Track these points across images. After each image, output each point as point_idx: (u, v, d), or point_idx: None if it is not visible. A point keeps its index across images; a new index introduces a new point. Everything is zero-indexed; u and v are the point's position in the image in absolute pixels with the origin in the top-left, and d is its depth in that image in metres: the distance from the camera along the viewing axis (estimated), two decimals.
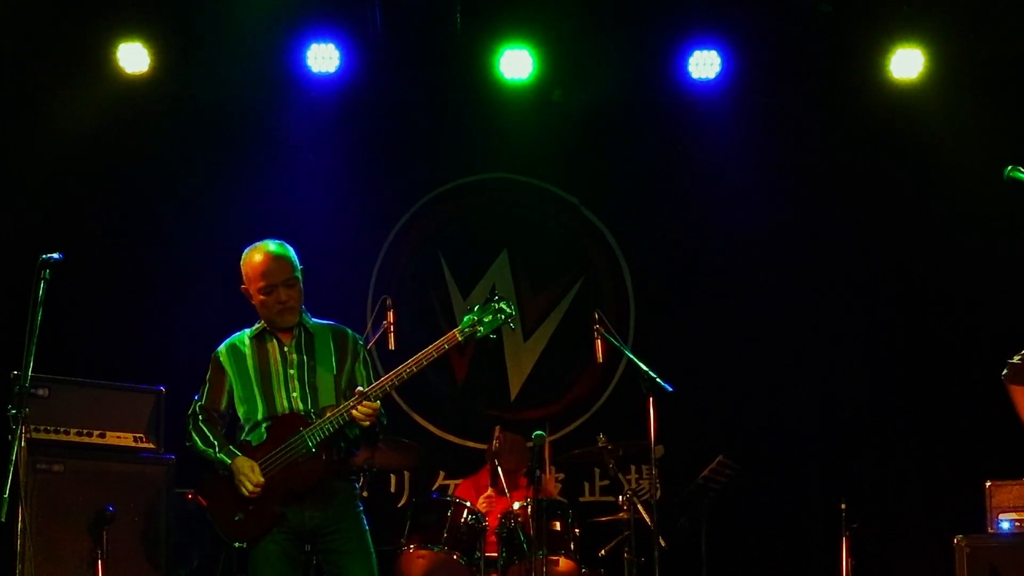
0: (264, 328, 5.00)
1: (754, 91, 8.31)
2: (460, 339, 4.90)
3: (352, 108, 8.26)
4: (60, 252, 4.64)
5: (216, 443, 4.86)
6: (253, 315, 5.11)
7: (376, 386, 4.80)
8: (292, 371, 4.91)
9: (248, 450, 4.84)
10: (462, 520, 6.53)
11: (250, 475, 4.74)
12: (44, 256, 4.61)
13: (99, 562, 5.55)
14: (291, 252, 5.02)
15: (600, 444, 6.69)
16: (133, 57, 7.76)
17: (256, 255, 4.99)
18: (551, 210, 8.73)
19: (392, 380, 4.81)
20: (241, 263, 5.03)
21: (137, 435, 5.97)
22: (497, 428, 7.35)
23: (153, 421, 6.03)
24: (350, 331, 5.12)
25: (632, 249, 8.69)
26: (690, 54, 8.16)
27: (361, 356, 5.08)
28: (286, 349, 4.95)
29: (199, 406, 4.99)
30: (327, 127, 8.22)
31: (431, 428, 8.35)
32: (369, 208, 8.45)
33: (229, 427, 5.04)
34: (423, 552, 6.46)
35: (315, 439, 4.76)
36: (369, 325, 6.71)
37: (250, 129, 8.18)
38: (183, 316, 7.81)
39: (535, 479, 6.41)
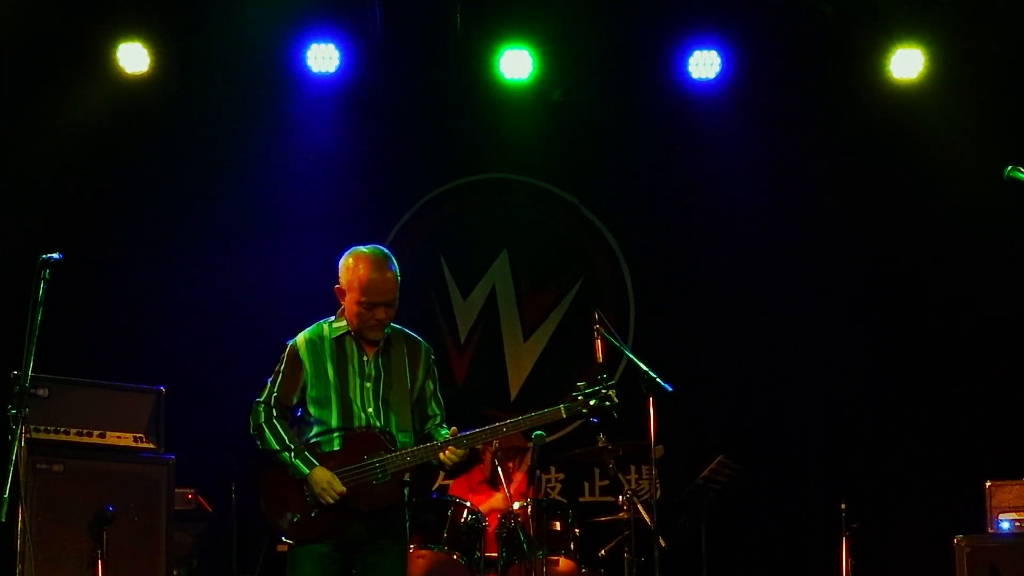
0: (348, 331, 4.88)
1: (754, 91, 8.31)
2: (564, 416, 4.91)
3: (352, 108, 8.27)
4: (60, 252, 4.63)
5: (293, 446, 4.77)
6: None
7: (474, 437, 4.82)
8: (368, 384, 4.83)
9: (319, 456, 4.76)
10: (462, 520, 6.53)
11: (333, 483, 4.68)
12: (44, 256, 4.59)
13: (99, 562, 5.55)
14: (396, 266, 4.89)
15: (600, 444, 6.68)
16: (133, 57, 7.77)
17: (363, 267, 4.82)
18: (551, 210, 8.74)
19: (485, 436, 4.87)
20: (343, 265, 4.87)
21: (137, 435, 5.96)
22: None
23: (153, 421, 6.02)
24: (423, 343, 5.04)
25: (632, 249, 8.69)
26: (690, 54, 8.17)
27: (433, 372, 5.02)
28: (366, 359, 4.86)
29: (273, 398, 4.86)
30: (327, 127, 8.21)
31: None
32: (369, 208, 8.45)
33: (295, 422, 4.95)
34: (423, 552, 6.45)
35: (395, 467, 4.75)
36: None
37: (250, 129, 8.18)
38: (183, 316, 7.81)
39: (535, 479, 6.40)
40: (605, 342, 6.42)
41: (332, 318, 4.94)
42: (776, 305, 8.38)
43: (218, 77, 8.03)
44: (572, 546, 6.62)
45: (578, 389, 4.92)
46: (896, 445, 8.19)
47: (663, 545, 6.10)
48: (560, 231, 8.75)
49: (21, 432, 4.46)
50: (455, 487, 7.47)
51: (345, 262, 4.87)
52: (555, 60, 8.20)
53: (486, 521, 6.60)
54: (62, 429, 5.76)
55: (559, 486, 8.22)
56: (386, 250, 4.93)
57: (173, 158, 8.10)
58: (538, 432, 6.41)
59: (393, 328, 4.95)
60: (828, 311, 8.46)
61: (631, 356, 6.30)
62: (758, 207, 8.31)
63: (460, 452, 4.78)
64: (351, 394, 4.81)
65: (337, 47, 7.99)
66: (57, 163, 7.73)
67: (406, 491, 4.97)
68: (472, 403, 8.46)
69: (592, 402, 4.88)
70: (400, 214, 8.61)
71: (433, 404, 5.00)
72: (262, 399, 4.88)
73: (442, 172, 8.66)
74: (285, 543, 4.83)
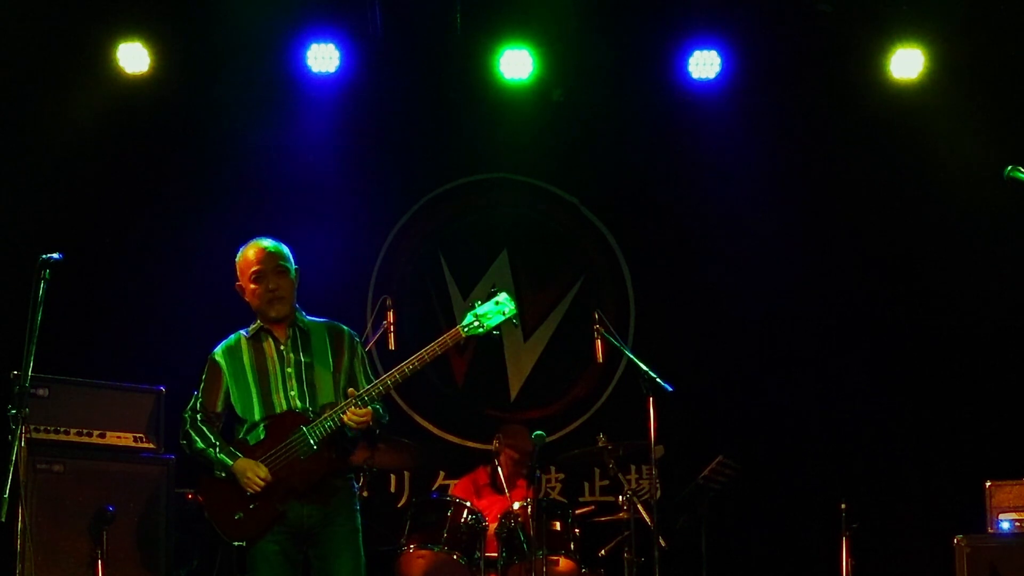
0: (260, 327, 5.00)
1: (754, 91, 8.31)
2: (463, 336, 4.91)
3: (352, 108, 8.26)
4: (60, 252, 4.63)
5: (217, 443, 4.85)
6: (253, 316, 5.10)
7: (370, 388, 4.79)
8: (290, 369, 4.89)
9: (246, 449, 4.83)
10: (462, 520, 6.53)
11: (257, 470, 4.72)
12: (44, 256, 4.60)
13: (99, 562, 5.55)
14: (284, 247, 5.05)
15: (600, 444, 6.69)
16: (133, 57, 7.76)
17: (248, 249, 5.05)
18: (551, 210, 8.73)
19: (389, 380, 4.81)
20: (236, 261, 5.10)
21: (137, 435, 5.96)
22: (506, 427, 7.39)
23: (153, 421, 6.03)
24: (346, 328, 5.10)
25: (632, 249, 8.69)
26: (690, 54, 8.17)
27: (359, 353, 5.07)
28: (283, 348, 4.94)
29: (198, 404, 4.99)
30: (327, 127, 8.21)
31: (431, 428, 8.35)
32: (369, 208, 8.45)
33: (225, 428, 5.03)
34: (423, 552, 6.45)
35: (316, 436, 4.75)
36: (369, 325, 6.71)
37: (250, 129, 8.17)
38: (183, 316, 7.80)
39: (535, 479, 6.41)
40: (605, 342, 6.43)
41: (249, 326, 5.06)
42: (776, 305, 8.39)
43: (218, 77, 8.02)
44: (572, 546, 6.62)
45: (471, 308, 4.96)
46: (896, 445, 8.19)
47: (663, 545, 6.11)
48: (560, 231, 8.75)
49: (21, 432, 4.46)
50: (458, 489, 7.47)
51: (236, 260, 5.10)
52: (555, 60, 8.20)
53: (486, 521, 6.60)
54: (62, 429, 5.76)
55: (559, 486, 8.22)
56: (271, 237, 5.08)
57: (173, 158, 8.10)
58: (538, 432, 6.42)
59: (311, 320, 5.04)
60: (828, 311, 8.46)
61: (631, 356, 6.32)
62: (758, 207, 8.31)
63: (364, 412, 4.72)
64: (272, 384, 4.87)
65: (337, 47, 7.99)
66: (57, 163, 7.73)
67: (354, 487, 4.97)
68: (472, 403, 8.46)
69: (488, 315, 4.95)
70: (400, 214, 8.61)
71: (363, 381, 4.98)
72: (188, 409, 5.00)
73: (442, 172, 8.65)
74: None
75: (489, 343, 8.52)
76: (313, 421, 4.78)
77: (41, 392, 5.61)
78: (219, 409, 4.97)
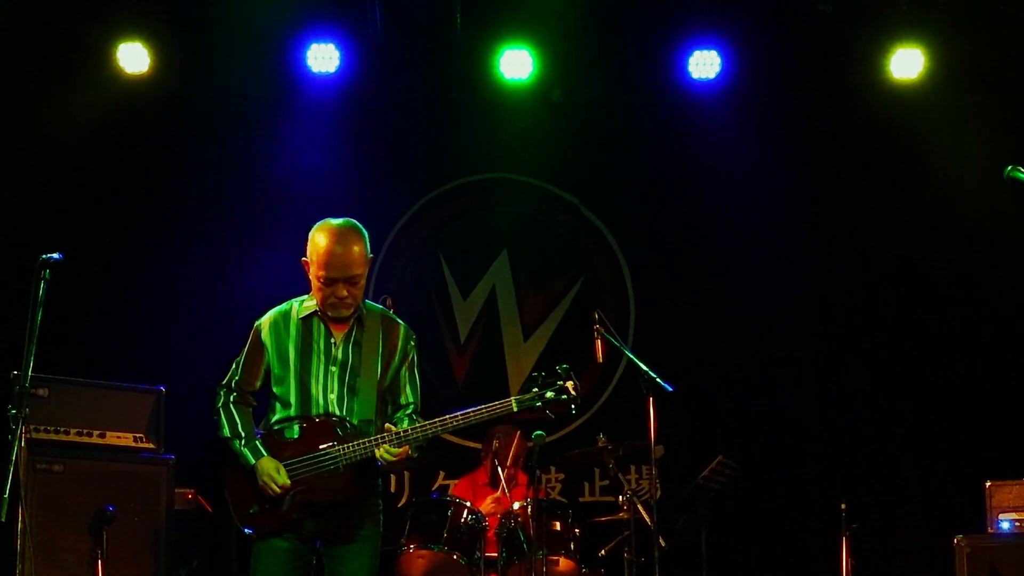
0: (316, 311, 4.63)
1: (754, 91, 8.31)
2: (516, 409, 4.64)
3: (352, 108, 8.26)
4: (60, 252, 4.62)
5: (244, 434, 4.59)
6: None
7: (411, 432, 4.51)
8: (334, 368, 4.58)
9: (276, 443, 4.57)
10: (462, 520, 6.53)
11: (276, 476, 4.49)
12: (44, 256, 4.58)
13: (99, 562, 5.55)
14: (364, 242, 4.65)
15: (600, 444, 6.69)
16: (133, 57, 7.77)
17: (322, 236, 4.61)
18: (551, 210, 8.74)
19: (431, 429, 4.56)
20: (310, 236, 4.67)
21: (137, 435, 5.96)
22: (494, 428, 7.39)
23: (153, 421, 6.03)
24: (404, 326, 4.74)
25: (632, 249, 8.69)
26: (690, 54, 8.17)
27: (411, 357, 4.73)
28: (333, 341, 4.60)
29: (234, 381, 4.69)
30: (327, 127, 8.21)
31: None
32: (369, 208, 8.42)
33: (261, 404, 4.77)
34: (423, 552, 6.46)
35: (346, 460, 4.48)
36: None
37: (250, 129, 8.18)
38: (183, 316, 7.81)
39: (535, 479, 6.41)
40: (605, 342, 6.43)
41: (305, 296, 4.71)
42: (776, 305, 8.39)
43: (218, 77, 8.03)
44: (572, 546, 6.62)
45: (533, 380, 4.65)
46: (896, 445, 8.19)
47: (663, 545, 6.11)
48: (560, 231, 8.75)
49: (21, 432, 4.45)
50: (457, 488, 7.47)
51: (311, 233, 4.67)
52: (555, 60, 8.20)
53: (486, 521, 6.60)
54: (62, 429, 5.76)
55: (559, 486, 8.22)
56: (357, 224, 4.71)
57: (173, 158, 8.10)
58: (538, 432, 6.42)
59: (371, 309, 4.70)
60: (828, 311, 8.46)
61: (631, 356, 6.31)
62: (758, 207, 8.31)
63: (396, 451, 4.45)
64: (313, 379, 4.58)
65: (337, 47, 7.99)
66: (57, 163, 7.73)
67: (378, 491, 4.72)
68: (472, 403, 8.43)
69: (548, 394, 4.62)
70: (400, 214, 8.62)
71: (408, 391, 4.73)
72: (224, 382, 4.73)
73: (442, 172, 8.66)
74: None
75: (489, 343, 8.56)
76: (348, 436, 4.51)
77: (41, 392, 5.60)
78: (257, 386, 4.68)
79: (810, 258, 8.44)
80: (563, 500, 7.31)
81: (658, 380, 5.94)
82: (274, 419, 4.65)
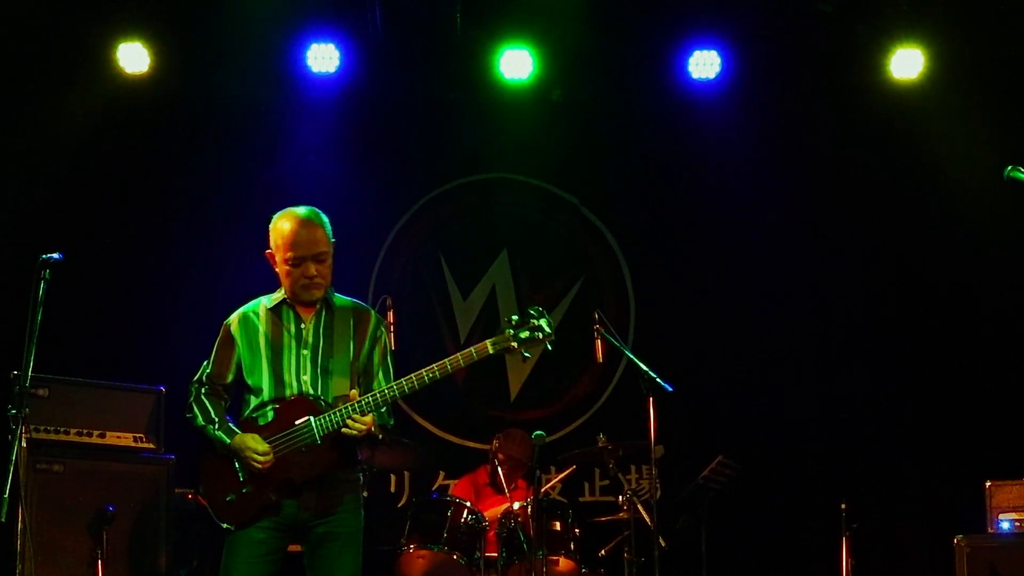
0: (284, 299, 4.70)
1: (754, 91, 8.31)
2: (491, 352, 4.58)
3: (352, 108, 8.26)
4: (60, 252, 4.62)
5: (217, 419, 4.61)
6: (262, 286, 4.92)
7: (375, 395, 4.50)
8: (306, 352, 4.62)
9: (254, 429, 4.57)
10: (462, 520, 6.54)
11: (256, 446, 4.47)
12: (44, 256, 4.59)
13: (99, 562, 5.55)
14: (326, 222, 4.71)
15: (600, 444, 6.69)
16: (133, 57, 7.76)
17: (285, 222, 4.67)
18: (551, 210, 8.74)
19: (397, 389, 4.51)
20: (270, 227, 4.73)
21: (137, 435, 5.96)
22: (510, 431, 7.41)
23: (153, 421, 6.03)
24: (374, 312, 4.80)
25: (632, 249, 8.69)
26: (690, 54, 8.17)
27: (382, 341, 4.76)
28: (303, 326, 4.65)
29: (205, 375, 4.72)
30: (327, 127, 8.21)
31: (431, 428, 8.35)
32: (369, 208, 8.45)
33: (234, 400, 4.78)
34: (423, 552, 6.46)
35: (322, 430, 4.48)
36: None
37: (250, 129, 8.18)
38: (183, 316, 7.81)
39: (535, 479, 6.41)
40: (605, 342, 6.43)
41: (272, 293, 4.78)
42: (776, 305, 8.39)
43: (218, 77, 8.03)
44: (572, 546, 6.62)
45: (508, 323, 4.59)
46: (896, 445, 8.19)
47: (663, 545, 6.11)
48: (560, 231, 8.75)
49: (21, 432, 4.45)
50: (458, 489, 7.48)
51: (271, 224, 4.73)
52: (555, 60, 8.20)
53: (486, 521, 6.60)
54: (62, 429, 5.76)
55: (559, 486, 8.22)
56: (315, 208, 4.75)
57: (173, 158, 8.10)
58: (538, 432, 6.42)
59: (339, 297, 4.76)
60: (828, 311, 8.46)
61: (631, 356, 6.31)
62: (758, 207, 8.31)
63: (363, 420, 4.44)
64: (284, 363, 4.61)
65: (337, 47, 7.99)
66: (57, 163, 7.73)
67: (359, 466, 4.68)
68: (472, 403, 8.46)
69: (523, 334, 4.55)
70: (400, 214, 8.62)
71: (381, 377, 4.72)
72: (195, 378, 4.75)
73: (442, 172, 8.66)
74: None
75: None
76: (323, 411, 4.51)
77: (41, 392, 5.61)
78: (228, 380, 4.70)
79: (810, 258, 8.44)
80: (563, 500, 7.31)
81: (658, 380, 5.94)
82: (247, 411, 4.65)
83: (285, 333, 4.66)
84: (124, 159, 8.00)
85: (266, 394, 4.62)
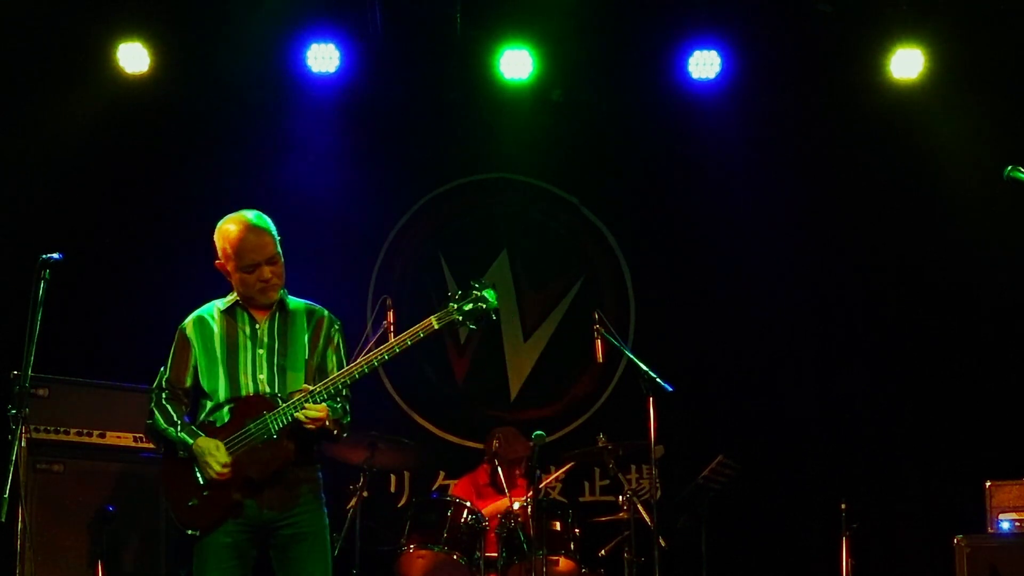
0: (237, 302, 4.71)
1: (754, 91, 8.31)
2: (436, 327, 4.60)
3: (352, 108, 8.26)
4: (60, 252, 4.62)
5: (178, 422, 4.57)
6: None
7: (326, 383, 4.48)
8: (261, 351, 4.62)
9: (211, 431, 4.54)
10: (462, 520, 6.54)
11: (216, 454, 4.44)
12: (44, 256, 4.59)
13: (99, 562, 5.55)
14: (271, 224, 4.74)
15: (600, 444, 6.69)
16: (133, 57, 7.76)
17: (232, 227, 4.69)
18: (551, 210, 8.74)
19: (347, 376, 4.49)
20: (215, 236, 4.73)
21: (137, 435, 5.96)
22: (495, 429, 7.40)
23: None
24: (327, 313, 4.79)
25: (632, 249, 8.69)
26: (690, 54, 8.17)
27: (335, 341, 4.76)
28: (258, 327, 4.65)
29: (164, 380, 4.68)
30: (327, 127, 8.21)
31: (431, 428, 8.35)
32: (369, 208, 8.45)
33: (192, 404, 4.74)
34: (423, 552, 6.46)
35: (277, 425, 4.45)
36: (369, 325, 6.70)
37: (250, 129, 8.18)
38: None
39: (535, 479, 6.41)
40: (605, 342, 6.43)
41: (226, 296, 4.78)
42: (776, 305, 8.39)
43: (218, 77, 8.03)
44: (572, 546, 6.62)
45: (450, 297, 4.62)
46: (896, 445, 8.19)
47: (663, 545, 6.11)
48: (560, 231, 8.75)
49: (21, 432, 4.46)
50: (457, 488, 7.48)
51: (216, 234, 4.72)
52: (555, 60, 8.20)
53: (486, 521, 6.60)
54: (62, 429, 5.77)
55: (559, 486, 8.22)
56: (255, 211, 4.77)
57: (173, 158, 8.10)
58: (538, 432, 6.42)
59: (293, 299, 4.76)
60: (828, 311, 8.46)
61: (631, 356, 6.32)
62: (758, 207, 8.31)
63: (317, 409, 4.41)
64: (240, 363, 4.60)
65: (337, 47, 7.99)
66: (57, 163, 7.73)
67: (317, 467, 4.64)
68: (472, 403, 8.46)
69: (467, 306, 4.58)
70: (400, 214, 8.61)
71: (334, 369, 4.69)
72: (154, 385, 4.72)
73: (442, 172, 8.66)
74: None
75: (489, 343, 8.56)
76: (278, 408, 4.49)
77: (41, 392, 5.62)
78: (187, 384, 4.65)
79: (810, 258, 8.44)
80: (563, 500, 7.31)
81: (658, 380, 5.94)
82: (203, 415, 4.62)
83: (240, 334, 4.66)
84: (124, 159, 8.00)
85: (222, 395, 4.60)
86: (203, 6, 7.77)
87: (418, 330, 4.59)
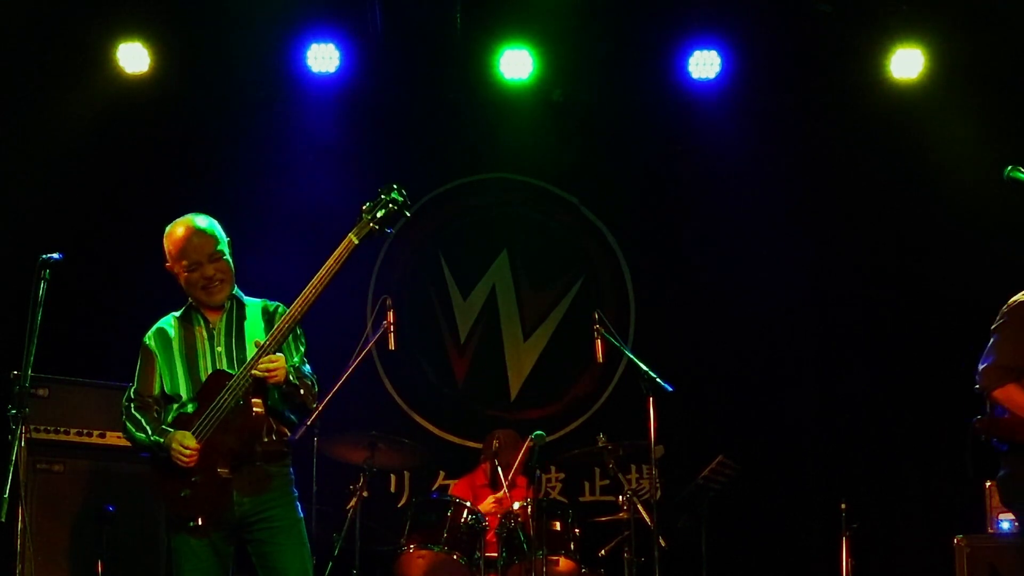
0: (190, 306, 4.78)
1: (754, 91, 8.31)
2: (356, 241, 4.66)
3: (352, 108, 8.26)
4: (60, 252, 4.63)
5: (149, 427, 4.60)
6: None
7: (274, 332, 4.51)
8: (219, 348, 4.68)
9: (182, 422, 4.58)
10: (462, 520, 6.53)
11: (183, 442, 4.45)
12: (44, 256, 4.60)
13: (99, 562, 5.55)
14: (215, 225, 4.85)
15: (600, 444, 6.69)
16: (133, 57, 7.77)
17: (179, 230, 4.81)
18: (551, 210, 8.74)
19: (289, 319, 4.54)
20: (163, 241, 4.82)
21: None
22: (495, 431, 7.40)
23: None
24: (281, 306, 4.80)
25: (632, 249, 8.69)
26: (690, 54, 8.17)
27: (294, 330, 4.75)
28: (213, 328, 4.72)
29: (133, 391, 4.74)
30: (327, 127, 8.21)
31: (431, 428, 8.35)
32: None
33: (163, 410, 4.72)
34: (423, 552, 6.46)
35: (240, 389, 4.47)
36: (369, 325, 6.70)
37: (250, 129, 8.18)
38: None
39: (535, 479, 6.41)
40: (605, 342, 6.43)
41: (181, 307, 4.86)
42: (776, 305, 8.39)
43: (218, 77, 8.03)
44: (572, 546, 6.62)
45: (362, 212, 4.70)
46: (896, 445, 8.19)
47: (663, 545, 6.11)
48: (560, 231, 8.75)
49: (21, 432, 4.46)
50: (457, 488, 7.48)
51: (165, 238, 4.82)
52: (555, 60, 8.20)
53: (486, 521, 6.60)
54: (62, 429, 5.77)
55: (559, 486, 8.22)
56: (198, 213, 4.88)
57: (173, 158, 8.10)
58: (538, 432, 6.42)
59: (251, 299, 4.84)
60: (828, 311, 8.46)
61: (631, 356, 6.32)
62: (758, 207, 8.31)
63: (276, 360, 4.44)
64: (200, 364, 4.65)
65: (337, 47, 7.99)
66: (57, 163, 7.73)
67: (288, 460, 4.67)
68: (472, 403, 8.46)
69: (379, 213, 4.70)
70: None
71: (296, 357, 4.73)
72: (125, 397, 4.77)
73: (442, 172, 8.66)
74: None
75: (489, 343, 8.56)
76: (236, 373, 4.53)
77: (41, 392, 5.61)
78: (156, 392, 4.70)
79: (810, 258, 8.44)
80: (563, 500, 7.31)
81: (658, 380, 5.94)
82: (170, 417, 4.65)
83: (197, 336, 4.73)
84: (124, 159, 8.00)
85: (184, 394, 4.65)
86: (203, 6, 7.77)
87: (341, 251, 4.64)
